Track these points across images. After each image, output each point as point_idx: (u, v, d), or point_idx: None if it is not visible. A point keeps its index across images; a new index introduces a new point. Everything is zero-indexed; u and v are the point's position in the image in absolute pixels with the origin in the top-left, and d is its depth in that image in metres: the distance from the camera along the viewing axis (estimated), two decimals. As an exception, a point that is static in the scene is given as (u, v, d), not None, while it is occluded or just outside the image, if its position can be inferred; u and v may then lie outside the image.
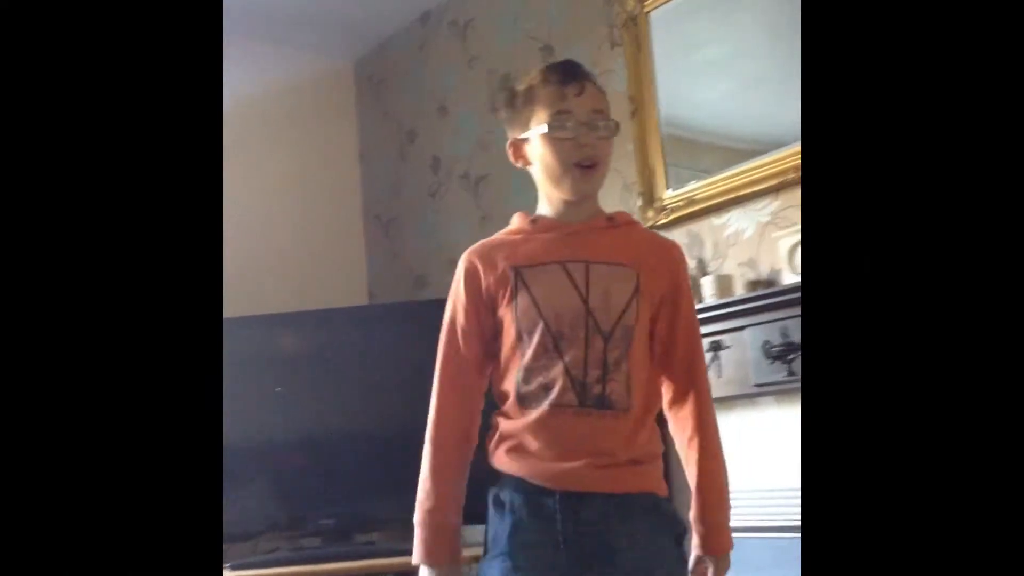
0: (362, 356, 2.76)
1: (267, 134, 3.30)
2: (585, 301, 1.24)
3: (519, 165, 1.34)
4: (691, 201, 2.40)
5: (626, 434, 1.24)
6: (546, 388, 1.23)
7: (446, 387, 1.30)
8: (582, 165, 1.27)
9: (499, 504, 1.26)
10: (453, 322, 1.32)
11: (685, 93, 2.49)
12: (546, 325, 1.24)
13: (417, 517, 1.28)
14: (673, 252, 1.35)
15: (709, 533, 1.27)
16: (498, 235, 1.35)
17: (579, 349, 1.23)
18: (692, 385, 1.30)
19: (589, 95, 1.29)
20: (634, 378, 1.24)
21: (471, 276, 1.30)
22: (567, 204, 1.31)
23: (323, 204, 3.44)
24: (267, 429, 2.67)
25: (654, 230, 2.28)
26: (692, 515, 1.28)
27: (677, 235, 2.34)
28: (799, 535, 1.31)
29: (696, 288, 2.19)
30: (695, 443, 1.28)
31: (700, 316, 1.67)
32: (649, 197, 2.49)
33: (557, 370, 1.23)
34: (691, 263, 2.28)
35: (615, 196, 2.54)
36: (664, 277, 1.30)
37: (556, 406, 1.22)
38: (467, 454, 1.31)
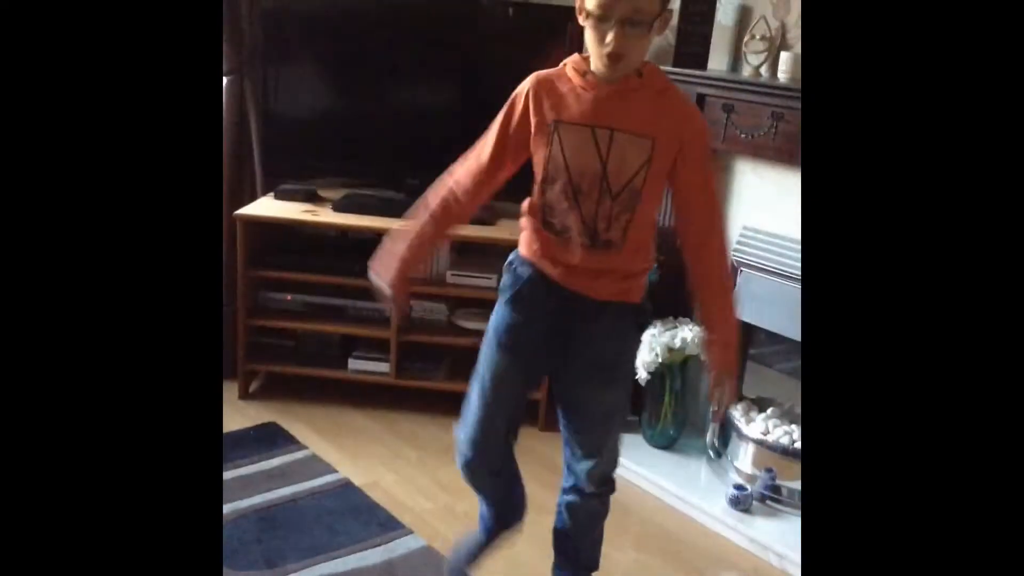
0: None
1: None
2: (604, 164, 1.52)
3: (580, 20, 1.49)
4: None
5: (621, 260, 1.60)
6: (565, 227, 1.57)
7: (464, 162, 1.63)
8: (610, 55, 1.45)
9: (514, 268, 1.67)
10: (508, 118, 1.59)
11: None
12: (569, 177, 1.54)
13: (387, 251, 1.65)
14: (693, 123, 1.57)
15: (722, 359, 1.64)
16: (558, 70, 1.56)
17: (592, 204, 1.54)
18: (708, 237, 1.61)
19: None
20: (632, 227, 1.56)
21: (516, 103, 1.58)
22: (604, 68, 1.49)
23: None
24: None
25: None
26: (705, 343, 1.66)
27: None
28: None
29: (773, 62, 2.40)
30: (712, 288, 1.63)
31: (770, 92, 2.28)
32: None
33: (575, 217, 1.56)
34: (776, 39, 2.41)
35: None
36: (679, 140, 1.53)
37: (572, 240, 1.57)
38: (450, 213, 1.65)
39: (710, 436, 2.61)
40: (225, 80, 2.81)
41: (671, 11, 1.50)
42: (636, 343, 1.73)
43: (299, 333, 2.88)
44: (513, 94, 1.59)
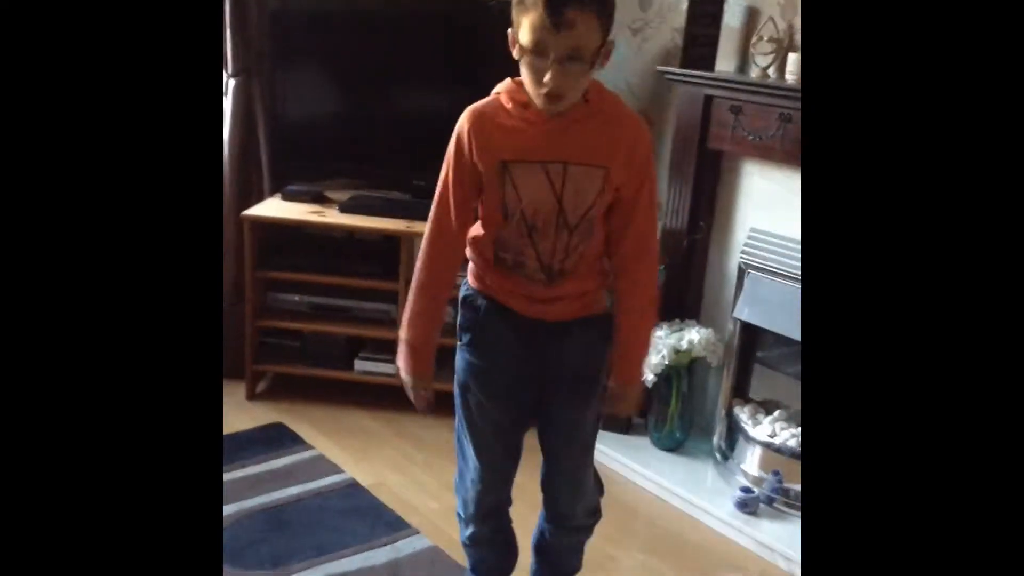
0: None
1: None
2: (559, 200, 1.44)
3: (514, 53, 1.39)
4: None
5: (577, 285, 1.54)
6: (519, 263, 1.51)
7: (434, 242, 1.54)
8: (549, 95, 1.35)
9: (470, 304, 1.59)
10: (446, 182, 1.50)
11: None
12: (523, 215, 1.46)
13: (401, 342, 1.61)
14: (640, 135, 1.50)
15: (626, 373, 1.62)
16: (493, 102, 1.46)
17: (549, 240, 1.48)
18: (639, 260, 1.55)
19: (571, 34, 1.29)
20: (589, 252, 1.52)
21: (461, 144, 1.47)
22: (543, 105, 1.39)
23: None
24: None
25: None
26: (615, 357, 1.60)
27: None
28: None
29: (781, 63, 2.39)
30: (634, 313, 1.58)
31: (778, 93, 2.30)
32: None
33: (530, 254, 1.50)
34: (784, 40, 2.40)
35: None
36: (629, 166, 1.46)
37: (526, 276, 1.52)
38: (445, 296, 1.60)
39: (717, 439, 2.60)
40: (233, 81, 2.81)
41: (612, 41, 1.38)
42: (604, 353, 1.62)
43: (306, 334, 2.88)
44: (453, 138, 1.48)
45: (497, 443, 1.65)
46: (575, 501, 1.71)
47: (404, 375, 1.63)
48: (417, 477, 2.49)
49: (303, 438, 2.64)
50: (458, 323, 1.62)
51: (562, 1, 1.28)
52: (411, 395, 1.64)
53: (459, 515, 1.76)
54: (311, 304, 2.87)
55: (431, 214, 1.54)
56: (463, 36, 2.87)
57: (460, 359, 1.63)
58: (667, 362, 2.51)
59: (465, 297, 1.61)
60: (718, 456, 2.58)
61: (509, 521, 1.78)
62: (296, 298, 2.87)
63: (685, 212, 2.68)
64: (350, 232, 2.84)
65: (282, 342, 2.93)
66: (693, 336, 2.52)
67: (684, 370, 2.59)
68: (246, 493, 2.31)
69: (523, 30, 1.32)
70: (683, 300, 2.72)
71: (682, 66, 2.66)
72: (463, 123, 1.47)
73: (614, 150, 1.44)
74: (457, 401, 1.64)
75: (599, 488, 1.76)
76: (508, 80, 1.46)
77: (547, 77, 1.32)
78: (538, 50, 1.32)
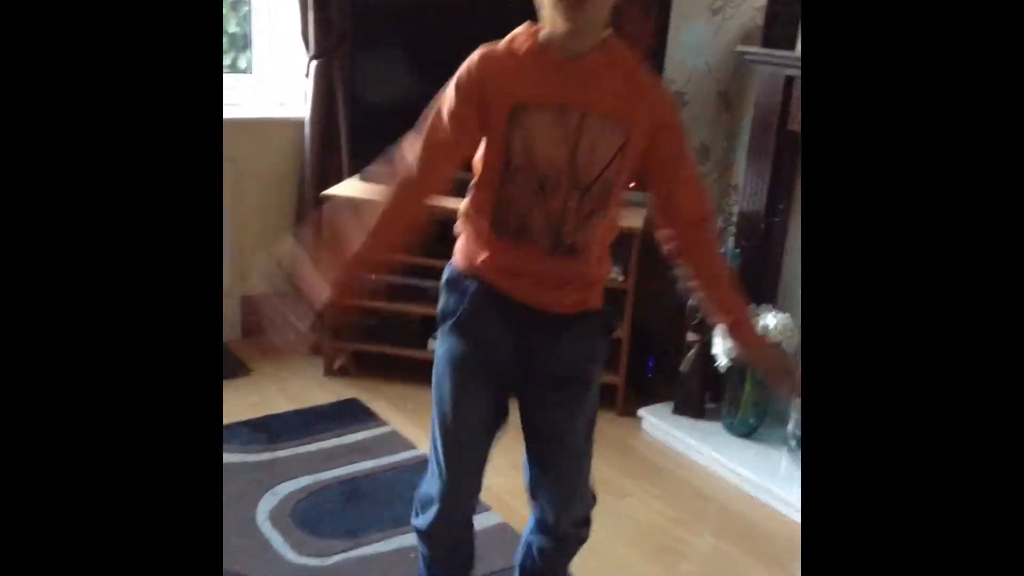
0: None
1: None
2: (573, 154, 1.28)
3: None
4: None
5: (586, 267, 1.37)
6: (524, 228, 1.32)
7: (402, 188, 1.35)
8: None
9: (455, 286, 1.40)
10: (437, 120, 1.33)
11: None
12: (534, 167, 1.29)
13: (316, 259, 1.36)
14: (669, 105, 1.36)
15: (757, 337, 1.49)
16: (508, 43, 1.32)
17: (559, 200, 1.30)
18: (703, 229, 1.39)
19: None
20: (600, 226, 1.35)
21: (472, 80, 1.30)
22: (565, 33, 1.25)
23: None
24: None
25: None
26: (729, 330, 1.46)
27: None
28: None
29: None
30: (721, 282, 1.42)
31: None
32: None
33: (537, 215, 1.31)
34: None
35: None
36: (655, 122, 1.31)
37: (531, 244, 1.33)
38: (389, 245, 1.41)
39: (791, 426, 2.56)
40: (314, 64, 2.87)
41: None
42: (605, 352, 1.48)
43: (382, 313, 2.94)
44: (457, 76, 1.33)
45: (468, 450, 1.47)
46: (572, 504, 1.54)
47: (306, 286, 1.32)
48: (488, 455, 2.52)
49: (377, 414, 2.70)
50: (439, 309, 1.43)
51: None
52: (293, 319, 1.35)
53: (424, 512, 1.56)
54: (387, 284, 2.92)
55: (420, 134, 1.35)
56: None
57: (439, 349, 1.43)
58: (742, 347, 2.48)
59: (449, 279, 1.42)
60: (792, 443, 2.54)
61: (471, 531, 1.62)
62: (373, 277, 2.92)
63: (763, 195, 2.64)
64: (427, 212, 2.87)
65: (359, 320, 2.99)
66: (770, 321, 2.48)
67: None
68: (322, 465, 2.37)
69: None
70: (760, 284, 2.67)
71: (763, 46, 2.61)
72: (475, 59, 1.31)
73: (637, 104, 1.29)
74: (433, 399, 1.45)
75: (592, 498, 1.60)
76: (525, 23, 1.33)
77: None
78: None
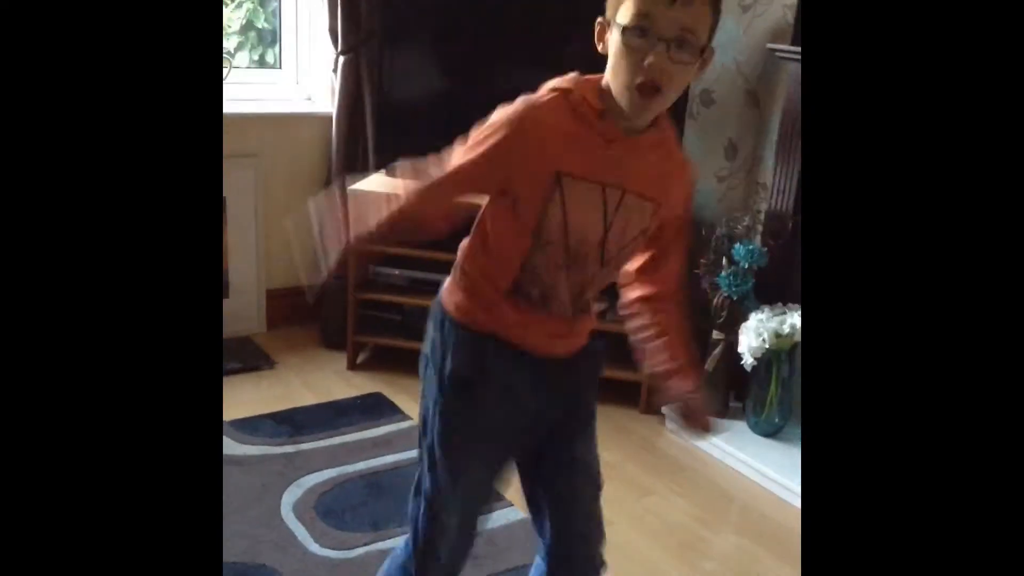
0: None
1: None
2: (607, 229, 1.24)
3: (599, 48, 1.19)
4: None
5: (590, 318, 1.36)
6: (546, 298, 1.28)
7: (453, 174, 1.30)
8: (644, 86, 1.13)
9: (466, 344, 1.30)
10: (470, 162, 1.26)
11: None
12: (567, 241, 1.23)
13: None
14: (690, 175, 1.34)
15: (692, 382, 1.38)
16: (553, 101, 1.20)
17: (585, 273, 1.27)
18: (674, 300, 1.37)
19: (685, 9, 1.10)
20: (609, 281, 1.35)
21: (514, 134, 1.20)
22: (631, 114, 1.17)
23: None
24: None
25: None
26: (669, 374, 1.37)
27: None
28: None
29: None
30: (679, 337, 1.37)
31: None
32: None
33: (563, 289, 1.27)
34: None
35: None
36: (677, 204, 1.30)
37: (549, 311, 1.28)
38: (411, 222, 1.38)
39: (817, 426, 2.54)
40: (342, 59, 2.89)
41: (713, 48, 1.16)
42: (598, 380, 1.45)
43: (405, 307, 2.95)
44: (504, 120, 1.22)
45: (485, 490, 1.42)
46: (599, 540, 1.48)
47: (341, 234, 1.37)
48: (511, 451, 2.52)
49: (400, 408, 2.71)
50: (448, 368, 1.30)
51: None
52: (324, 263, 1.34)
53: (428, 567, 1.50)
54: (411, 279, 2.93)
55: (458, 153, 1.31)
56: (572, 18, 2.86)
57: (449, 410, 1.31)
58: (768, 346, 2.46)
59: (459, 337, 1.31)
60: (818, 444, 2.52)
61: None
62: (397, 272, 2.93)
63: (791, 194, 2.61)
64: (451, 208, 2.88)
65: (382, 315, 3.00)
66: (795, 320, 2.47)
67: (785, 354, 2.53)
68: (347, 458, 2.38)
69: (624, 6, 1.13)
70: (786, 283, 2.65)
71: (793, 43, 2.59)
72: (515, 112, 1.21)
73: (669, 184, 1.26)
74: (436, 452, 1.35)
75: (603, 532, 1.51)
76: (573, 76, 1.22)
77: (649, 59, 1.11)
78: (642, 27, 1.10)
